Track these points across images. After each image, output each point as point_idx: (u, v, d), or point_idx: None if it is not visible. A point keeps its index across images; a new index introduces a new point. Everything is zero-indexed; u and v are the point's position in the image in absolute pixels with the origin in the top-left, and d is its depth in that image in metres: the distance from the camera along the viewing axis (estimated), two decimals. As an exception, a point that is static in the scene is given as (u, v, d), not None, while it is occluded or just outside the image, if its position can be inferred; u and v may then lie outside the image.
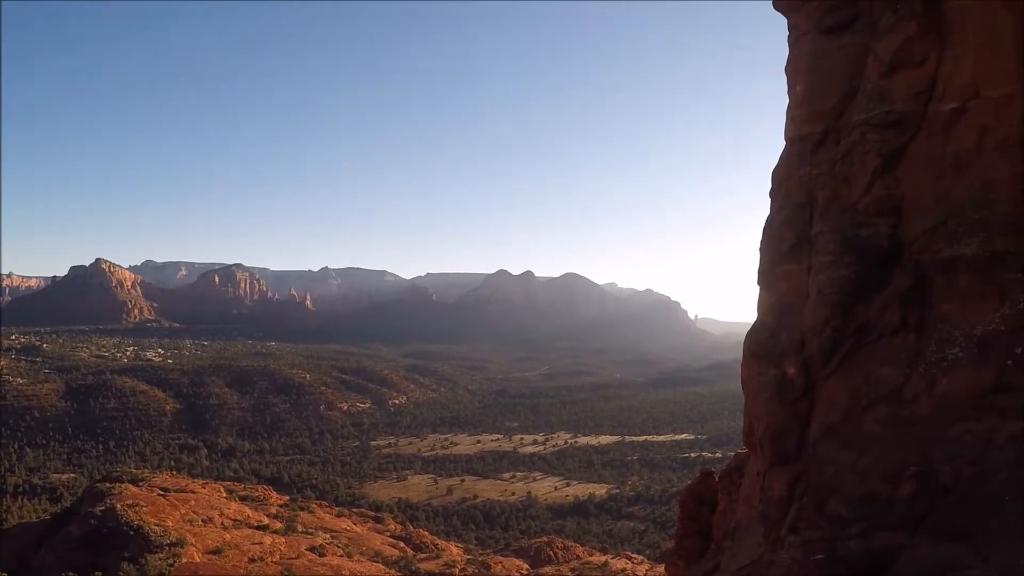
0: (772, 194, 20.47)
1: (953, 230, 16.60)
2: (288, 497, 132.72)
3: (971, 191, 16.50)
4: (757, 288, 20.12)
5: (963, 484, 14.05)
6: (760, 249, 20.15)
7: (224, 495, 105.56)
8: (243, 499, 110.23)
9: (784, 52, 20.72)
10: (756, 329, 19.79)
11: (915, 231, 17.29)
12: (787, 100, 20.37)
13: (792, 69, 20.16)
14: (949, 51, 17.04)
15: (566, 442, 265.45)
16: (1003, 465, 13.68)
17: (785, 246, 19.35)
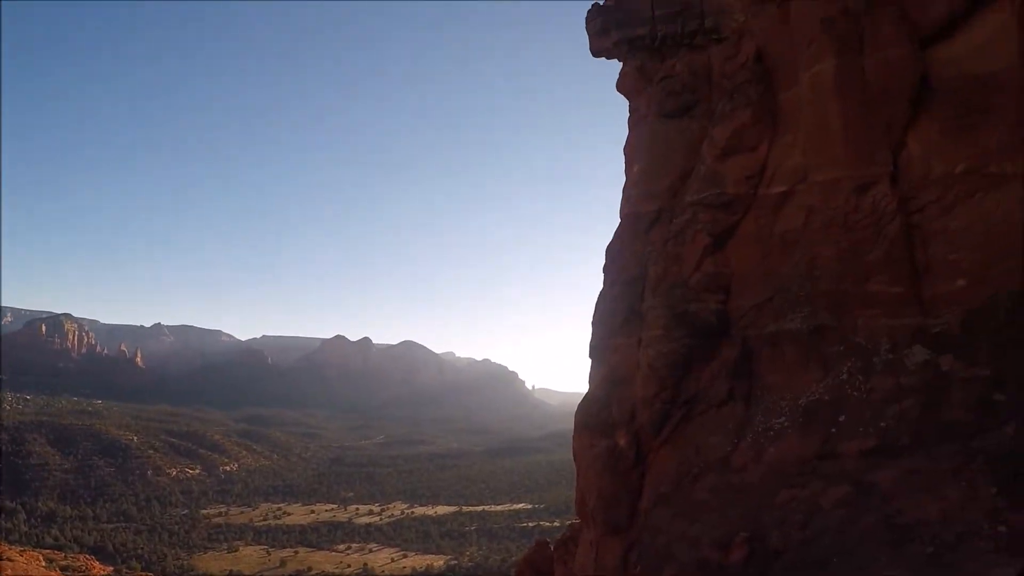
0: (606, 270, 21.05)
1: (779, 305, 17.52)
2: (112, 568, 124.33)
3: (797, 269, 17.53)
4: (590, 361, 20.62)
5: (792, 548, 14.46)
6: (593, 323, 20.69)
7: (43, 564, 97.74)
8: (64, 569, 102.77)
9: (623, 132, 21.59)
10: (587, 402, 20.19)
11: (743, 306, 18.19)
12: (624, 178, 21.06)
13: (631, 149, 20.95)
14: (780, 138, 18.22)
15: (403, 512, 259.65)
16: (829, 528, 14.18)
17: (617, 320, 19.88)
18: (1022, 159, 15.58)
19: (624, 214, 20.75)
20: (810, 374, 16.69)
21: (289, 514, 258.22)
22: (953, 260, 16.11)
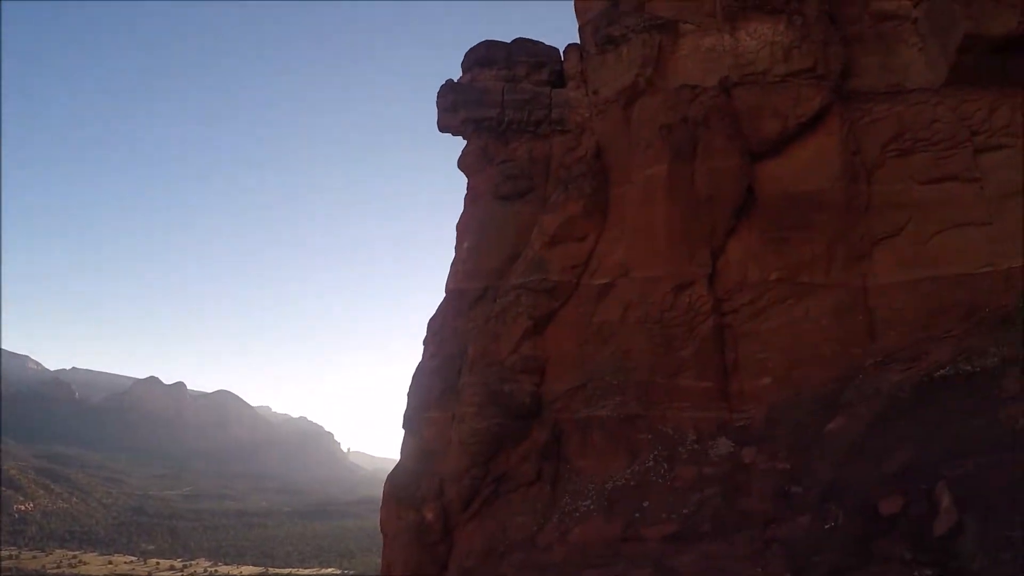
0: (426, 342, 20.71)
1: (592, 392, 17.73)
2: None
3: (611, 358, 17.97)
4: (403, 432, 19.88)
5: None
6: (409, 394, 20.20)
7: None
8: None
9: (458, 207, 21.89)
10: (397, 473, 19.47)
11: (557, 390, 18.28)
12: (453, 254, 21.03)
13: (464, 226, 21.06)
14: (608, 232, 18.97)
15: (206, 570, 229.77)
16: (631, 606, 13.67)
17: (433, 394, 19.50)
18: (832, 272, 16.97)
19: (449, 289, 20.60)
20: (617, 460, 16.90)
21: (85, 563, 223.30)
22: (761, 360, 17.06)
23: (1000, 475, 9.70)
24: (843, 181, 17.24)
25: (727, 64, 18.06)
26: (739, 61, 17.99)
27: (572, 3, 21.50)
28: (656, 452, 16.54)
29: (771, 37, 17.84)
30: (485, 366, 18.48)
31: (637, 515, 15.45)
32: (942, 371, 13.69)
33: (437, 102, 21.23)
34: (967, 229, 16.95)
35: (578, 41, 21.09)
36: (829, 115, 17.59)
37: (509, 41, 21.63)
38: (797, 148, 17.69)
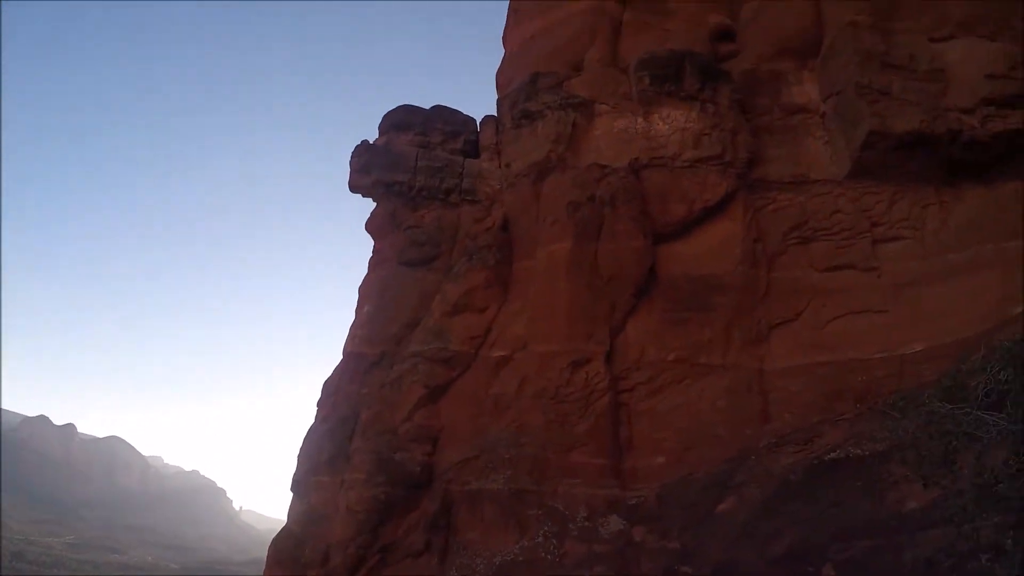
0: (319, 404, 20.22)
1: (484, 465, 17.43)
2: None
3: (505, 432, 17.70)
4: (292, 495, 19.24)
5: None
6: (299, 456, 19.63)
7: None
8: None
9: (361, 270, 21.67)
10: (283, 537, 18.79)
11: (449, 461, 17.97)
12: (353, 316, 20.75)
13: (366, 289, 20.82)
14: (510, 305, 18.90)
15: None
16: None
17: (323, 458, 18.98)
18: (730, 354, 17.12)
19: (347, 352, 20.22)
20: (507, 534, 16.52)
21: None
22: (656, 439, 17.05)
23: (885, 558, 9.78)
24: (744, 266, 17.56)
25: (638, 146, 18.45)
26: (650, 144, 18.40)
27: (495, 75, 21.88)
28: (546, 528, 16.16)
29: (683, 123, 18.32)
30: (377, 432, 18.10)
31: (528, 589, 15.13)
32: (833, 454, 13.84)
33: (351, 162, 21.13)
34: (863, 316, 17.39)
35: (495, 114, 21.36)
36: (734, 202, 18.03)
37: (427, 108, 21.76)
38: (701, 232, 18.03)
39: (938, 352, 15.91)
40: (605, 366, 17.35)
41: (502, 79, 21.89)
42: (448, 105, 21.91)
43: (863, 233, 17.77)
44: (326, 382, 20.45)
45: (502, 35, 23.28)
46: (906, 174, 17.59)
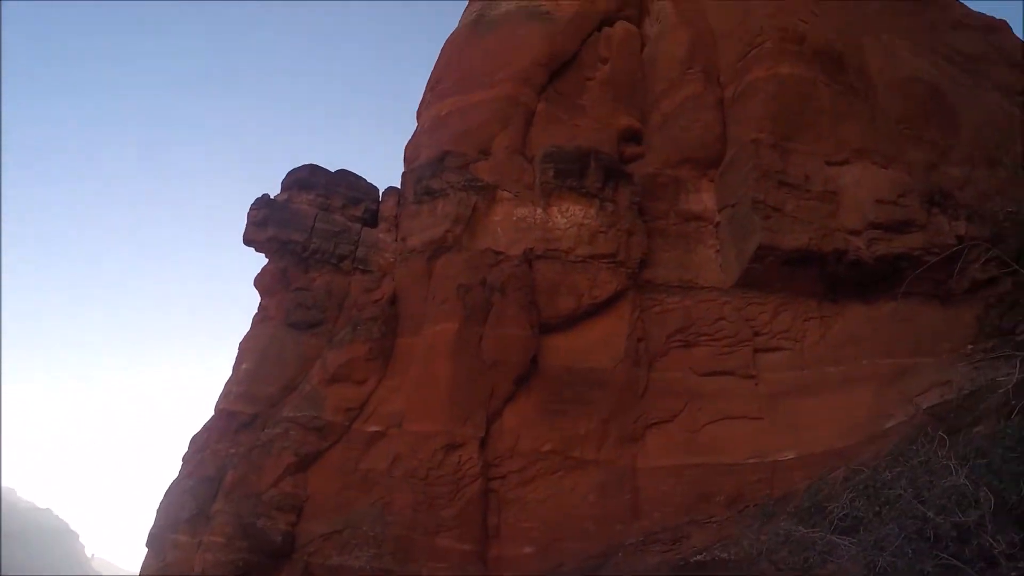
0: (185, 459, 19.56)
1: (347, 540, 17.09)
2: None
3: (372, 509, 17.38)
4: (147, 549, 18.55)
5: None
6: (158, 510, 18.84)
7: None
8: None
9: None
10: None
11: (312, 532, 17.51)
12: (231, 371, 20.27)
13: (246, 346, 20.35)
14: (389, 380, 18.68)
15: None
16: None
17: (183, 515, 18.28)
18: (604, 450, 17.21)
19: (219, 408, 19.65)
20: None
21: None
22: (524, 528, 16.86)
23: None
24: (626, 364, 17.73)
25: (534, 236, 18.54)
26: (547, 236, 18.51)
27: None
28: (406, 611, 15.99)
29: (581, 219, 18.52)
30: (241, 496, 17.57)
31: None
32: (699, 556, 13.91)
33: (249, 213, 20.72)
34: (739, 422, 17.59)
35: (399, 186, 21.31)
36: (622, 300, 18.22)
37: (333, 170, 21.56)
38: (587, 327, 18.14)
39: (809, 461, 16.28)
40: (479, 451, 17.18)
41: (410, 152, 21.86)
42: (352, 171, 21.74)
43: (745, 342, 18.12)
44: (194, 436, 19.82)
45: (417, 109, 23.31)
46: (791, 288, 18.13)
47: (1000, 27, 30.12)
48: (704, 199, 19.37)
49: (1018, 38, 29.60)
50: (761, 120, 18.88)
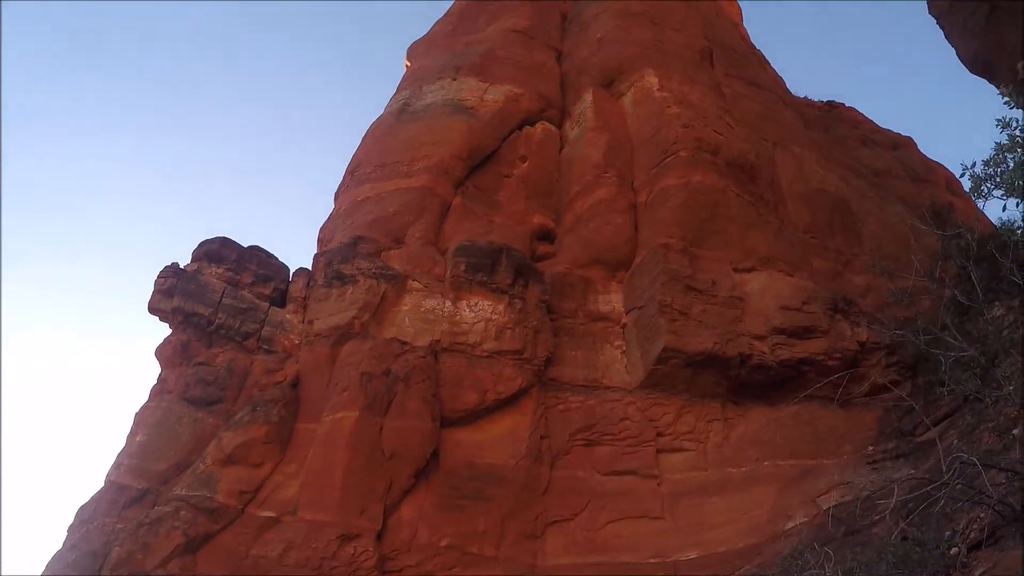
0: (70, 530, 18.76)
1: None
2: None
3: None
4: None
5: None
6: None
7: None
8: None
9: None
10: None
11: None
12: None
13: (142, 417, 19.75)
14: (286, 466, 18.26)
15: None
16: None
17: None
18: (503, 547, 17.02)
19: (109, 480, 18.93)
20: None
21: None
22: (418, 625, 16.45)
23: None
24: (527, 461, 17.66)
25: (442, 329, 18.57)
26: (454, 329, 18.56)
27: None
28: None
29: (489, 314, 18.64)
30: (125, 574, 16.95)
31: None
32: None
33: (156, 281, 20.35)
34: (640, 521, 17.55)
35: (310, 267, 21.15)
36: (526, 397, 18.24)
37: (245, 245, 21.35)
38: (489, 423, 18.08)
39: (711, 560, 16.32)
40: (375, 544, 16.81)
41: (325, 234, 21.83)
42: (265, 248, 21.57)
43: (648, 442, 18.23)
44: (81, 507, 19.01)
45: (335, 192, 23.37)
46: (695, 389, 18.38)
47: (906, 143, 31.75)
48: (612, 300, 19.69)
49: (922, 153, 31.28)
50: (672, 225, 19.39)
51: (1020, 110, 10.32)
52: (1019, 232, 10.24)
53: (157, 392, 20.20)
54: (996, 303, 15.26)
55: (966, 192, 18.20)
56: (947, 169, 30.49)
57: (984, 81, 19.57)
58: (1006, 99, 10.14)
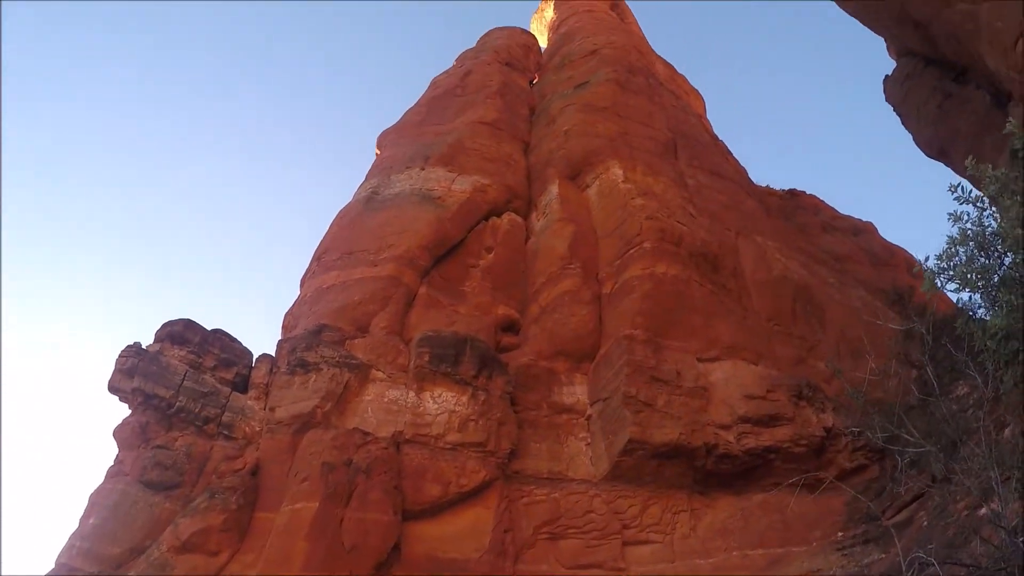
0: None
1: None
2: None
3: None
4: None
5: None
6: None
7: None
8: None
9: None
10: None
11: None
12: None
13: (96, 499, 19.23)
14: (243, 555, 17.81)
15: None
16: None
17: None
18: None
19: (60, 563, 18.28)
20: None
21: None
22: None
23: None
24: (491, 555, 17.36)
25: (404, 420, 18.39)
26: (417, 420, 18.39)
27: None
28: None
29: (453, 406, 18.52)
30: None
31: None
32: None
33: (117, 360, 20.05)
34: (607, 615, 17.37)
35: (273, 353, 20.91)
36: (490, 490, 18.01)
37: (209, 328, 21.06)
38: (452, 515, 17.80)
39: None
40: (336, 633, 16.47)
41: (289, 321, 21.74)
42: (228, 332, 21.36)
43: (614, 535, 18.05)
44: (44, 577, 18.46)
45: (301, 277, 23.36)
46: (661, 481, 18.32)
47: (867, 228, 32.40)
48: (577, 392, 19.68)
49: (882, 238, 31.97)
50: (636, 316, 19.54)
51: (970, 205, 10.63)
52: (974, 322, 10.49)
53: (113, 473, 19.74)
54: (959, 382, 15.49)
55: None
56: (907, 252, 31.31)
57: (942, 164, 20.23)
58: (955, 196, 10.45)
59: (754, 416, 18.47)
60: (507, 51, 35.99)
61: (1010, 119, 11.35)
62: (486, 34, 39.36)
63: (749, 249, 23.55)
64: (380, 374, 18.98)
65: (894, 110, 21.50)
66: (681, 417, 18.11)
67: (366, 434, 18.13)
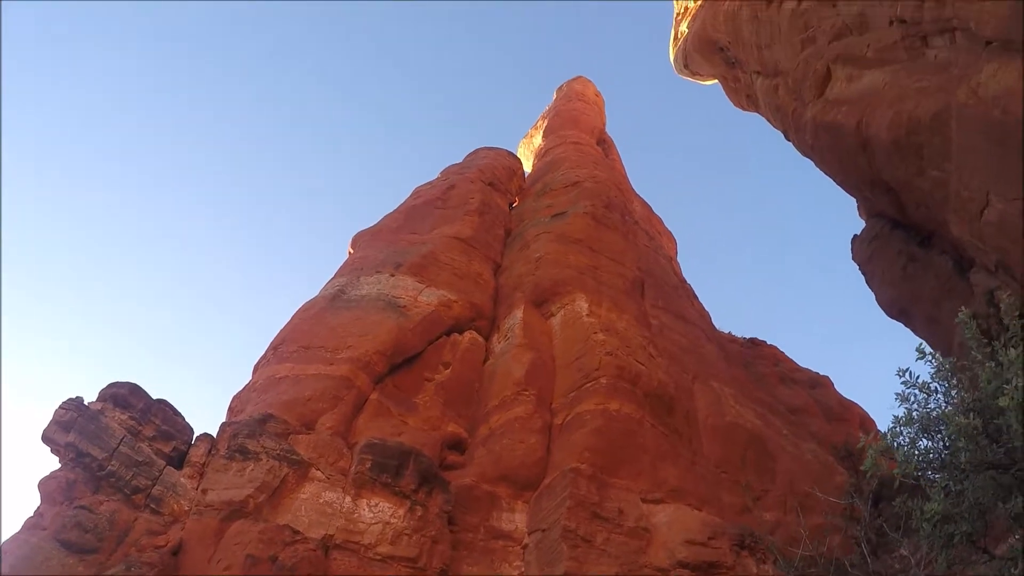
0: None
1: None
2: None
3: None
4: None
5: None
6: None
7: None
8: None
9: None
10: None
11: None
12: None
13: (8, 549, 18.29)
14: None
15: None
16: None
17: None
18: None
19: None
20: None
21: None
22: None
23: None
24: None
25: (337, 525, 17.91)
26: (349, 527, 17.92)
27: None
28: None
29: (388, 517, 18.14)
30: None
31: None
32: None
33: (56, 411, 19.33)
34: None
35: (214, 435, 20.51)
36: (415, 611, 17.56)
37: (154, 397, 20.65)
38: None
39: None
40: None
41: (236, 404, 21.44)
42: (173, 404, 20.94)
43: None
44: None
45: (255, 363, 23.16)
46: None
47: (823, 382, 32.87)
48: (516, 519, 19.42)
49: (838, 393, 32.46)
50: (584, 451, 19.51)
51: (915, 389, 10.88)
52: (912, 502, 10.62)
53: (31, 525, 18.94)
54: (906, 539, 15.46)
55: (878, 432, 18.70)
56: (862, 408, 31.85)
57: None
58: (903, 380, 10.69)
59: (693, 562, 18.28)
60: (492, 171, 36.68)
61: (962, 308, 11.71)
62: (473, 152, 40.10)
63: (705, 394, 23.74)
64: (319, 474, 18.62)
65: (859, 268, 21.99)
66: (619, 557, 17.94)
67: (296, 532, 17.64)
